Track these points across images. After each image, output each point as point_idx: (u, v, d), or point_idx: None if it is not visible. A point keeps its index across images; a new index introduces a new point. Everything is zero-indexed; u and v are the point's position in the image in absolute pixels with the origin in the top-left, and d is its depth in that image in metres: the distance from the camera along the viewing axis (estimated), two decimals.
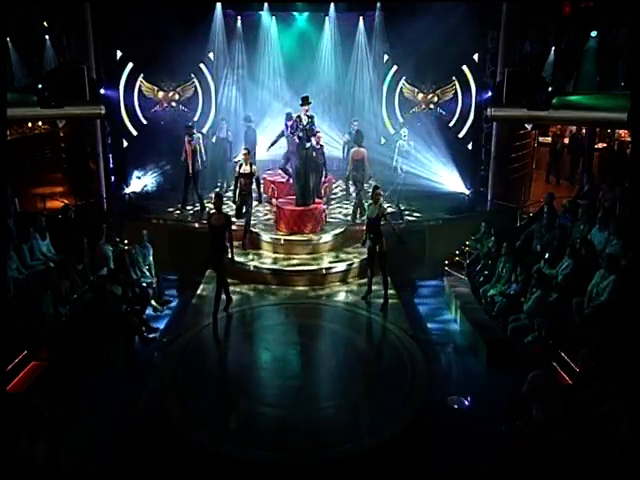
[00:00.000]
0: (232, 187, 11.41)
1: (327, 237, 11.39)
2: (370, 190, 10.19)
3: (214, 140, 13.78)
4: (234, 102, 15.44)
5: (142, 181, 13.45)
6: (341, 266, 10.76)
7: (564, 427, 5.64)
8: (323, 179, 12.39)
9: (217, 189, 13.29)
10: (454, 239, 11.81)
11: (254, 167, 10.98)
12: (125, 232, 11.13)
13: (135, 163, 13.45)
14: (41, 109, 11.71)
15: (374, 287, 9.98)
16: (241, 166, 10.90)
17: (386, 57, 14.96)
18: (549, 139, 18.22)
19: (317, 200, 11.81)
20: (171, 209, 12.84)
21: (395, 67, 14.72)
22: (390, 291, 9.86)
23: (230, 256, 9.14)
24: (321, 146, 11.81)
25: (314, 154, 11.29)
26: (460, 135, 13.88)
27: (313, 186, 11.50)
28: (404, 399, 6.96)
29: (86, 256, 9.71)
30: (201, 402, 6.95)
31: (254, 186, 11.02)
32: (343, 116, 15.49)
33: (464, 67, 13.47)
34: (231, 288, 10.17)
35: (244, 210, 10.97)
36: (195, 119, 14.31)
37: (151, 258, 10.47)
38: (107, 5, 12.43)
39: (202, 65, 14.48)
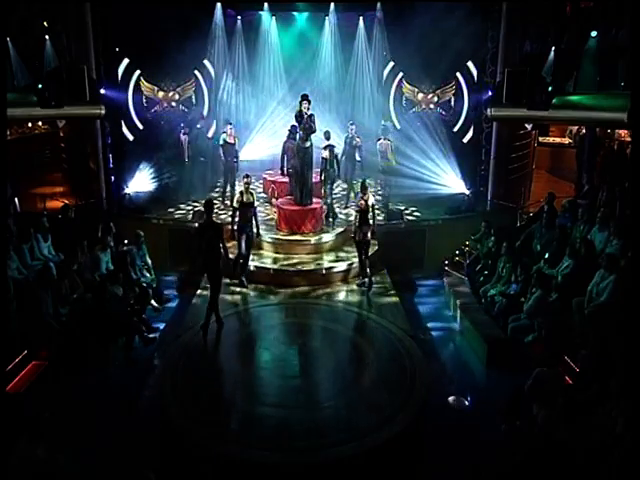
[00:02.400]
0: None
1: (327, 237, 11.40)
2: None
3: (221, 142, 12.92)
4: (233, 102, 15.49)
5: (142, 180, 13.46)
6: (341, 266, 10.76)
7: (564, 427, 5.63)
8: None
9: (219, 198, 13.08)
10: (454, 239, 11.82)
11: (254, 196, 10.12)
12: (124, 232, 11.12)
13: (135, 163, 13.45)
14: (41, 109, 11.73)
15: (374, 285, 10.25)
16: (242, 195, 9.83)
17: (388, 62, 14.98)
18: (551, 139, 18.20)
19: (316, 200, 11.82)
20: (171, 209, 12.92)
21: (393, 66, 14.74)
22: (390, 291, 10.18)
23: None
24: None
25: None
26: (460, 135, 13.88)
27: (311, 185, 11.51)
28: (404, 399, 6.96)
29: (85, 257, 9.70)
30: (201, 402, 6.95)
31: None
32: (343, 115, 15.48)
33: (464, 67, 13.46)
34: (231, 288, 10.25)
35: (244, 248, 9.93)
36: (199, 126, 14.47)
37: (147, 258, 10.46)
38: (107, 5, 12.44)
39: (202, 65, 14.50)
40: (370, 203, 9.98)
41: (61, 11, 12.55)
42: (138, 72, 13.54)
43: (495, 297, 9.23)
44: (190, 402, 6.91)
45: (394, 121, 14.88)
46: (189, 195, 13.46)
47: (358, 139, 12.80)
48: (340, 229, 11.66)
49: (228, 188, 12.83)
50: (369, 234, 9.99)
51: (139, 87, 13.74)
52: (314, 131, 11.12)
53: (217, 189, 14.08)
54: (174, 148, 13.46)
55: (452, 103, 13.99)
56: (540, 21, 12.57)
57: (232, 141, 12.79)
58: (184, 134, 13.70)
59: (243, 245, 9.97)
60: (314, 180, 11.89)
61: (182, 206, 13.15)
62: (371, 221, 9.99)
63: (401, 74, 14.71)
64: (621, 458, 4.86)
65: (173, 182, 13.66)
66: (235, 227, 10.00)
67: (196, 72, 14.49)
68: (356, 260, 10.84)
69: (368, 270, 10.16)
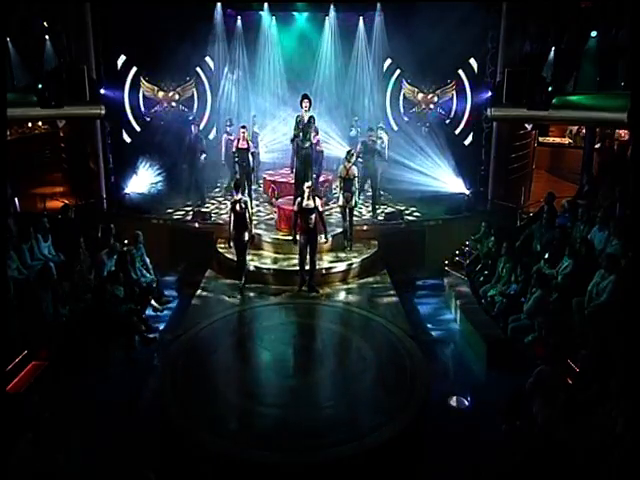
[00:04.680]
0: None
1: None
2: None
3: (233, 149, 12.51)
4: (234, 102, 15.50)
5: (143, 180, 13.45)
6: (341, 266, 10.77)
7: (564, 427, 5.63)
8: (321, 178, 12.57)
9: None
10: (454, 239, 11.82)
11: (318, 201, 9.93)
12: (124, 232, 11.11)
13: (135, 163, 13.43)
14: (41, 109, 11.75)
15: (374, 285, 10.47)
16: (302, 199, 9.78)
17: (386, 58, 14.97)
18: (551, 139, 18.21)
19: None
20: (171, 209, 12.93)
21: (392, 65, 14.75)
22: (390, 291, 10.22)
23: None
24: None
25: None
26: (460, 135, 13.88)
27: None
28: (404, 399, 6.96)
29: (85, 257, 9.69)
30: (201, 402, 6.95)
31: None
32: (343, 115, 15.50)
33: (464, 67, 13.46)
34: (230, 288, 10.28)
35: (308, 250, 9.93)
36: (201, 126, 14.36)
37: (146, 258, 10.46)
38: (107, 5, 12.44)
39: (202, 65, 14.51)
40: (353, 172, 10.83)
41: (61, 11, 12.57)
42: (138, 72, 13.52)
43: (495, 297, 9.23)
44: (190, 402, 6.91)
45: (392, 122, 14.88)
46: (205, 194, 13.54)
47: (379, 140, 12.80)
48: (340, 229, 11.66)
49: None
50: (352, 201, 10.89)
51: (139, 87, 13.73)
52: (316, 132, 11.12)
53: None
54: (187, 149, 13.28)
55: (452, 103, 13.97)
56: (540, 21, 12.58)
57: (245, 146, 12.27)
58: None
59: (307, 250, 9.95)
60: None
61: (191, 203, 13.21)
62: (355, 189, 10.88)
63: (399, 72, 14.71)
64: (621, 458, 4.86)
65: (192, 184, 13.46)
66: (296, 234, 10.02)
67: (197, 70, 14.47)
68: (356, 260, 10.91)
69: (350, 235, 11.26)
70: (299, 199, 9.87)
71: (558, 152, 17.90)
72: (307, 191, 9.77)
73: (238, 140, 12.30)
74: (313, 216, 9.80)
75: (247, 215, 9.89)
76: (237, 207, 9.80)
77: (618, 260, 7.71)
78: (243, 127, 12.48)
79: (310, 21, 15.32)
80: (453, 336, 9.53)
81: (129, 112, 13.57)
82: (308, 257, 9.98)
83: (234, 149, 12.40)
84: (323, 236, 10.21)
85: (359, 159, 12.41)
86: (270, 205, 13.03)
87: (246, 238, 9.97)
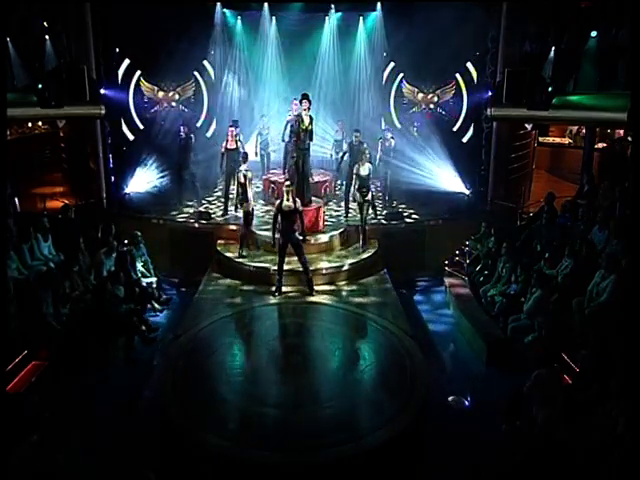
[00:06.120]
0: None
1: (327, 237, 11.40)
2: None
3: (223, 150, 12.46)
4: (234, 102, 15.51)
5: (143, 181, 13.44)
6: (341, 266, 10.75)
7: (564, 427, 5.63)
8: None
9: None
10: (454, 239, 11.82)
11: (298, 202, 9.57)
12: (124, 232, 11.11)
13: (135, 163, 13.42)
14: (41, 109, 11.75)
15: (374, 285, 10.43)
16: (282, 201, 9.51)
17: (389, 61, 14.97)
18: (551, 139, 18.19)
19: (316, 200, 11.82)
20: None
21: (393, 66, 14.75)
22: (390, 291, 10.21)
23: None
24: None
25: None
26: (460, 135, 13.87)
27: (309, 186, 11.53)
28: (404, 399, 6.96)
29: (85, 257, 9.69)
30: (201, 402, 6.95)
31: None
32: (343, 115, 15.48)
33: (464, 67, 13.46)
34: (230, 288, 10.29)
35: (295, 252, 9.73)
36: (198, 125, 14.38)
37: (147, 258, 10.45)
38: (107, 5, 12.44)
39: (202, 65, 14.51)
40: (366, 169, 10.87)
41: (61, 11, 12.56)
42: (138, 72, 13.51)
43: (495, 297, 9.23)
44: (190, 402, 6.91)
45: (396, 120, 14.89)
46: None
47: (387, 142, 12.81)
48: (339, 229, 11.66)
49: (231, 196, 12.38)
50: (369, 196, 10.99)
51: (139, 87, 13.72)
52: (311, 135, 11.06)
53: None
54: (177, 150, 13.27)
55: (452, 103, 13.97)
56: (540, 21, 12.57)
57: (233, 146, 12.28)
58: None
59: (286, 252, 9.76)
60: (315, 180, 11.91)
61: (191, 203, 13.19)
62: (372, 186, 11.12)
63: (401, 73, 14.72)
64: (621, 458, 4.86)
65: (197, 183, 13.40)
66: (275, 238, 9.74)
67: (198, 70, 14.46)
68: (356, 260, 10.91)
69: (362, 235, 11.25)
70: (279, 200, 9.69)
71: (558, 152, 17.89)
72: (288, 191, 9.52)
73: (227, 141, 12.34)
74: (294, 217, 9.58)
75: (247, 187, 10.40)
76: (240, 177, 10.50)
77: (618, 260, 7.71)
78: (231, 126, 12.56)
79: (310, 21, 15.31)
80: (453, 336, 9.54)
81: (133, 112, 13.55)
82: (298, 260, 9.85)
83: (223, 149, 12.38)
84: (301, 237, 9.86)
85: (345, 158, 12.39)
86: (270, 205, 13.01)
87: (249, 209, 10.64)
